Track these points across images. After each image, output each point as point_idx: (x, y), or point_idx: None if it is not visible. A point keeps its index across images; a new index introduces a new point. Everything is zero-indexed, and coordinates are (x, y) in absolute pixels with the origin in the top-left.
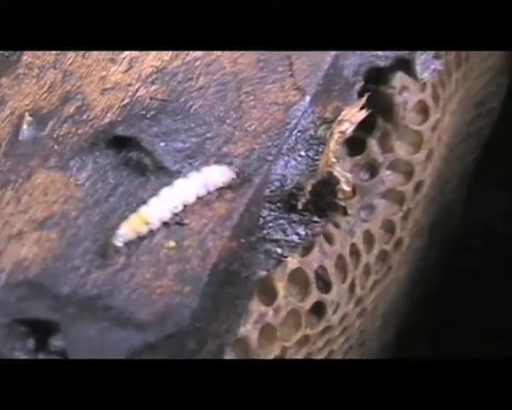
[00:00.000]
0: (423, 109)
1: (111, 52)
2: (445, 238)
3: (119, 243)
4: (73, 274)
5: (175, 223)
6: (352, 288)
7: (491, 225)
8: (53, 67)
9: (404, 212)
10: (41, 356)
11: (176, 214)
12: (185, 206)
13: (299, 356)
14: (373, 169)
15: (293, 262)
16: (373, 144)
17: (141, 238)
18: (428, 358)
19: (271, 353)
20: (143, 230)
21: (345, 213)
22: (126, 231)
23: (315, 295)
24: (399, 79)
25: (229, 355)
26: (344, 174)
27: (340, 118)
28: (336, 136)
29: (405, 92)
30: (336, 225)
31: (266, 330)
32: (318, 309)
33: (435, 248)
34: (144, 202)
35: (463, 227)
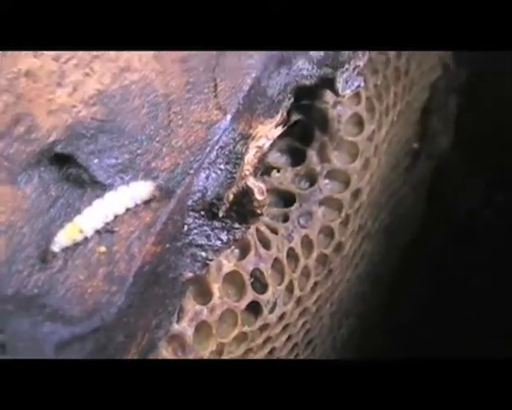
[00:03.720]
0: (358, 121)
1: (58, 76)
2: (402, 242)
3: (56, 248)
4: (17, 276)
5: (106, 231)
6: (290, 289)
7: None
8: (7, 90)
9: (342, 218)
10: None
11: (107, 223)
12: (115, 216)
13: (239, 352)
14: (312, 178)
15: (228, 265)
16: (311, 155)
17: (76, 244)
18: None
19: (208, 348)
20: (78, 237)
21: (259, 216)
22: (63, 238)
23: (250, 295)
24: (329, 93)
25: (164, 350)
26: (257, 185)
27: (254, 134)
28: (253, 150)
29: (339, 106)
30: (273, 231)
31: (202, 327)
32: (254, 308)
33: (390, 251)
34: (80, 212)
35: (424, 229)
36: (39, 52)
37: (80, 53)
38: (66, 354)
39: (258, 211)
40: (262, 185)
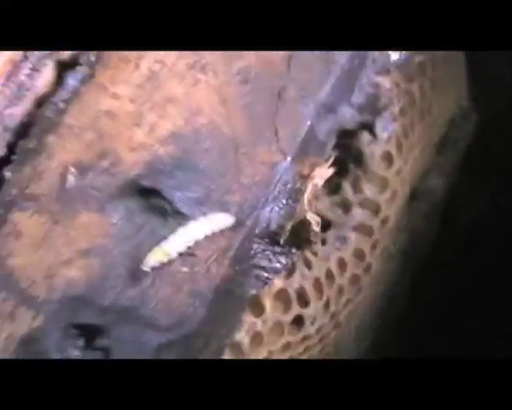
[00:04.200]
0: (388, 158)
1: (136, 117)
2: (415, 261)
3: (146, 268)
4: (111, 291)
5: (188, 254)
6: (327, 305)
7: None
8: (90, 128)
9: (372, 242)
10: (89, 353)
11: (189, 247)
12: (196, 241)
13: (285, 356)
14: (346, 207)
15: (278, 284)
16: (346, 187)
17: (162, 265)
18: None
19: (260, 355)
20: (164, 259)
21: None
22: (151, 259)
23: (295, 309)
24: (365, 136)
25: (227, 355)
26: (315, 218)
27: (312, 175)
28: (310, 188)
29: (372, 144)
30: (314, 254)
31: (256, 336)
32: (298, 321)
33: (405, 270)
34: (165, 238)
35: (435, 248)
36: (118, 93)
37: (155, 97)
38: (163, 357)
39: (313, 239)
40: (318, 219)
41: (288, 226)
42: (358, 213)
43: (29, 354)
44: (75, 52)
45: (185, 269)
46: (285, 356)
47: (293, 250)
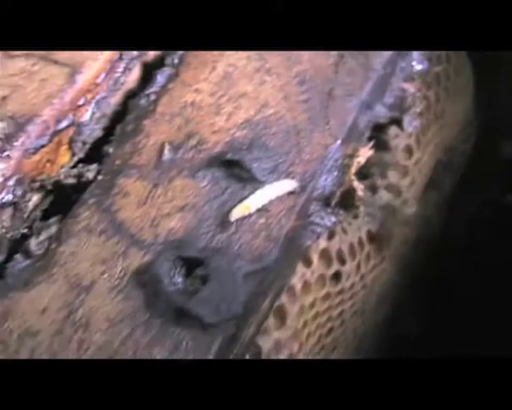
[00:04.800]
0: (409, 150)
1: (215, 108)
2: (427, 242)
3: (232, 219)
4: (204, 237)
5: (264, 210)
6: (358, 266)
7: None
8: (178, 115)
9: (396, 213)
10: (190, 280)
11: (264, 205)
12: (269, 200)
13: (323, 307)
14: (374, 189)
15: (322, 244)
16: (375, 172)
17: (244, 217)
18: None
19: (307, 301)
20: (246, 212)
21: (357, 209)
22: (236, 213)
23: (335, 266)
24: (394, 130)
25: (285, 295)
26: (360, 186)
27: (357, 154)
28: (355, 164)
29: (397, 138)
30: (350, 224)
31: (305, 284)
32: (337, 276)
33: (419, 249)
34: (245, 198)
35: (444, 232)
36: (199, 89)
37: (230, 92)
38: (248, 282)
39: (358, 204)
40: (362, 186)
41: (338, 193)
42: (384, 195)
43: (140, 282)
44: (160, 55)
45: (262, 221)
46: (324, 306)
47: (341, 212)
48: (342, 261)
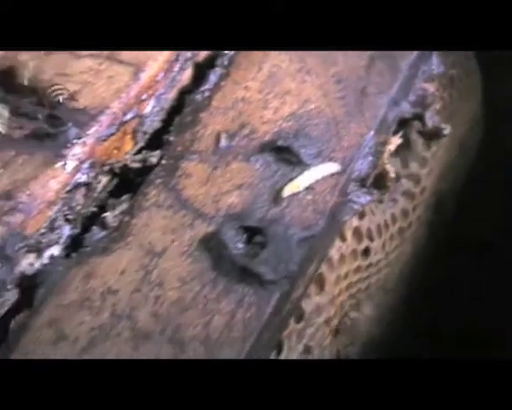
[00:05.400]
0: (428, 143)
1: (263, 102)
2: (443, 228)
3: (284, 195)
4: (259, 211)
5: (311, 188)
6: (383, 245)
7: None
8: (231, 109)
9: (414, 205)
10: (251, 246)
11: (311, 184)
12: (315, 180)
13: (354, 278)
14: (397, 177)
15: (355, 222)
16: (398, 162)
17: (294, 194)
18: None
19: (342, 271)
20: (295, 190)
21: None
22: (287, 190)
23: (365, 242)
24: (415, 125)
25: (325, 264)
26: (392, 169)
27: (389, 142)
28: (387, 151)
29: (418, 133)
30: (377, 208)
31: (341, 256)
32: (366, 252)
33: (436, 234)
34: (295, 178)
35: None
36: (248, 86)
37: (275, 90)
38: (300, 247)
39: (389, 184)
40: (394, 169)
41: (372, 175)
42: (405, 183)
43: (207, 248)
44: (211, 56)
45: (309, 197)
46: (355, 278)
47: (375, 192)
48: (371, 239)
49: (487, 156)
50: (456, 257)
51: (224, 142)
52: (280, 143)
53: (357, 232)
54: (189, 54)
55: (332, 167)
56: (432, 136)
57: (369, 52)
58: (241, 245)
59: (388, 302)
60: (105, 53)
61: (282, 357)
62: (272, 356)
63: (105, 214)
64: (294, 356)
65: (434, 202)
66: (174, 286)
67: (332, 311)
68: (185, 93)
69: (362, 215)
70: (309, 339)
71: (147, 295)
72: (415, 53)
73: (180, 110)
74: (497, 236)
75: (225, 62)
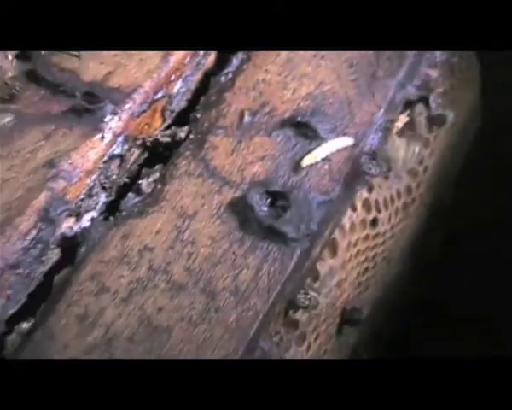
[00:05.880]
0: (430, 126)
1: (283, 84)
2: (442, 206)
3: (303, 165)
4: (280, 179)
5: (327, 159)
6: (389, 218)
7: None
8: (253, 89)
9: (417, 182)
10: (274, 208)
11: (327, 155)
12: (331, 152)
13: (363, 246)
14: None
15: (364, 195)
16: (403, 142)
17: (312, 164)
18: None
19: (353, 238)
20: (313, 161)
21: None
22: (306, 160)
23: (373, 213)
24: (420, 107)
25: (337, 230)
26: (400, 144)
27: (396, 119)
28: (395, 127)
29: (421, 115)
30: (383, 182)
31: (352, 225)
32: (374, 222)
33: (435, 213)
34: (313, 150)
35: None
36: (268, 70)
37: (293, 73)
38: (320, 210)
39: (397, 157)
40: (401, 144)
41: (382, 149)
42: (409, 162)
43: (234, 211)
44: None
45: (326, 167)
46: (364, 245)
47: (384, 164)
48: (378, 210)
49: (484, 143)
50: (454, 234)
51: (247, 118)
52: (298, 119)
53: (366, 203)
54: None
55: (346, 141)
56: (435, 119)
57: None
58: (265, 208)
59: (390, 278)
60: None
61: (297, 316)
62: (290, 313)
63: (139, 182)
64: (308, 314)
65: (436, 182)
66: (205, 244)
67: (343, 274)
68: (210, 75)
69: (370, 188)
70: (323, 298)
71: (180, 252)
72: None
73: (205, 91)
74: (494, 215)
75: None
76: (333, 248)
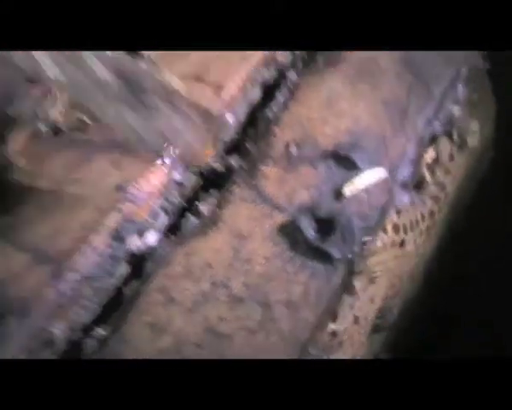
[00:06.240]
0: (451, 156)
1: (325, 119)
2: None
3: (344, 193)
4: (326, 205)
5: (365, 188)
6: (415, 239)
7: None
8: (296, 123)
9: (438, 207)
10: (320, 232)
11: (365, 185)
12: (369, 182)
13: (393, 264)
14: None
15: (394, 219)
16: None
17: (352, 193)
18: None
19: (384, 257)
20: (352, 189)
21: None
22: (347, 189)
23: (401, 236)
24: (444, 140)
25: (372, 253)
26: (428, 176)
27: (425, 152)
28: (424, 161)
29: (445, 147)
30: (410, 208)
31: (384, 245)
32: (402, 243)
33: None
34: (351, 180)
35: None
36: (310, 105)
37: (334, 109)
38: (360, 234)
39: (425, 187)
40: (429, 176)
41: (413, 180)
42: (433, 189)
43: (285, 233)
44: (276, 77)
45: (364, 195)
46: (393, 264)
47: (414, 193)
48: (405, 232)
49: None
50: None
51: (293, 150)
52: (339, 152)
53: (395, 227)
54: (258, 77)
55: (381, 172)
56: (456, 150)
57: (409, 80)
58: (312, 231)
59: (413, 287)
60: (192, 74)
61: (337, 326)
62: (332, 324)
63: (197, 205)
64: (345, 324)
65: (454, 206)
66: (260, 262)
67: (375, 290)
68: (257, 110)
69: (398, 212)
70: (358, 310)
71: (238, 269)
72: (447, 80)
73: (254, 123)
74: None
75: (289, 84)
76: (368, 266)
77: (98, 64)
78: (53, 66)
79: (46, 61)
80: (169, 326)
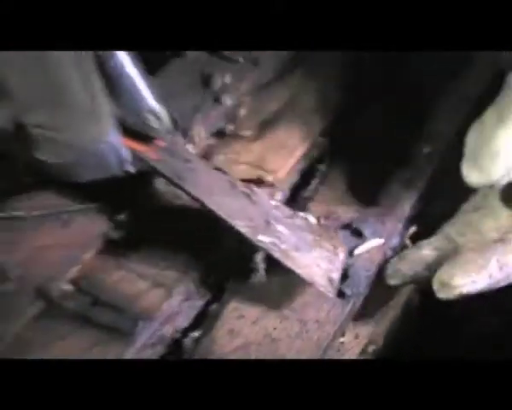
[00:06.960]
0: None
1: (345, 201)
2: None
3: (356, 253)
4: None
5: (369, 251)
6: None
7: None
8: (324, 202)
9: None
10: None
11: (369, 249)
12: (372, 247)
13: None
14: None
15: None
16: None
17: (361, 253)
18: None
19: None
20: (361, 251)
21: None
22: (357, 250)
23: None
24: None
25: (372, 292)
26: (410, 245)
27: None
28: (408, 235)
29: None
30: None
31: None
32: None
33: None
34: (360, 244)
35: None
36: (333, 186)
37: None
38: (366, 281)
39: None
40: (411, 245)
41: (399, 247)
42: None
43: None
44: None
45: (367, 256)
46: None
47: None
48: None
49: None
50: None
51: (321, 222)
52: (353, 225)
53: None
54: (299, 167)
55: (380, 241)
56: None
57: None
58: None
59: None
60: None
61: (345, 339)
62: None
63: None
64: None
65: None
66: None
67: (376, 315)
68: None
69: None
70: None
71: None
72: None
73: (294, 200)
74: None
75: (320, 173)
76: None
77: None
78: None
79: None
80: (241, 332)
